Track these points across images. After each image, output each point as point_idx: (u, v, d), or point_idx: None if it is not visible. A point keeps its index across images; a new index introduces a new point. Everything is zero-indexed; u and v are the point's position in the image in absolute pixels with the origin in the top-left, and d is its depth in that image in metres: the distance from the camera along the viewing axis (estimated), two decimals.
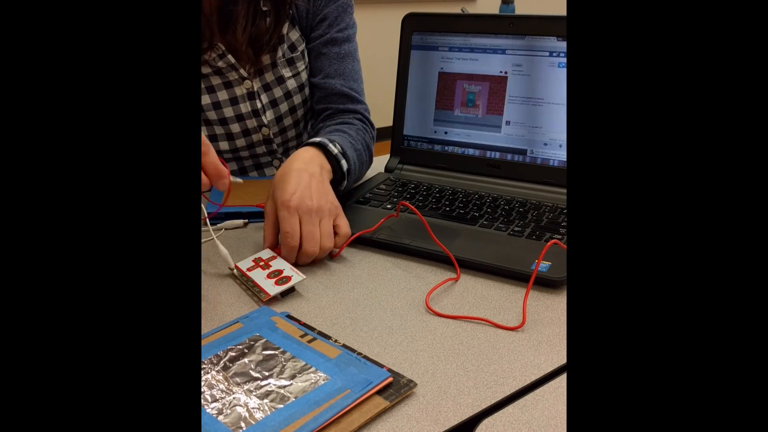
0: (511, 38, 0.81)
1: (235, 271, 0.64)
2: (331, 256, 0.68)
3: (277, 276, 0.61)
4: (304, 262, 0.66)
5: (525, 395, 0.46)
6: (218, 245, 0.65)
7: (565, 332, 0.54)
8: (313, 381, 0.45)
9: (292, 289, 0.60)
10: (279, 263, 0.63)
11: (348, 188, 0.82)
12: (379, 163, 0.99)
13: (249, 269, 0.63)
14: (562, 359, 0.50)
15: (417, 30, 0.87)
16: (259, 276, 0.62)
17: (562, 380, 0.48)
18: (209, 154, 0.58)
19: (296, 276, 0.61)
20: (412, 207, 0.68)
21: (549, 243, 0.59)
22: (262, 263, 0.64)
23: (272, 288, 0.59)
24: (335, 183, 0.76)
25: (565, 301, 0.58)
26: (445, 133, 0.86)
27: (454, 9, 0.85)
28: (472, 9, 3.49)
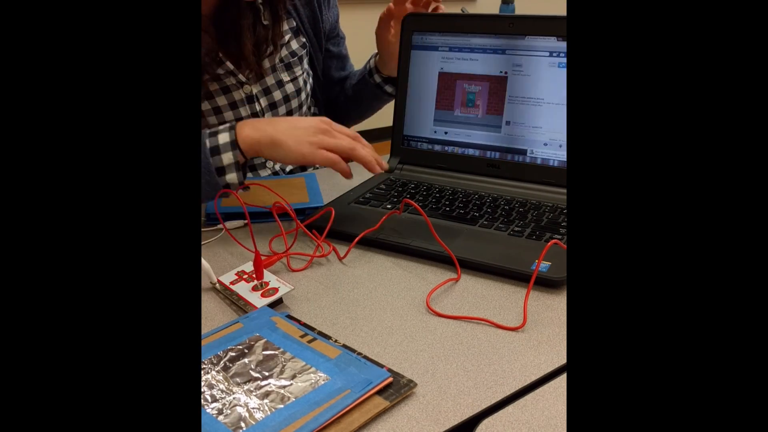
0: (511, 38, 0.81)
1: (217, 285, 0.61)
2: (338, 258, 0.68)
3: (263, 288, 0.59)
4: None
5: (525, 395, 0.46)
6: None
7: (565, 332, 0.54)
8: (313, 381, 0.45)
9: (280, 301, 0.58)
10: (265, 276, 0.61)
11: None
12: None
13: (232, 283, 0.61)
14: (562, 359, 0.50)
15: (417, 30, 0.87)
16: (243, 289, 0.59)
17: (562, 380, 0.48)
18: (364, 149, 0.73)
19: (283, 287, 0.59)
20: (416, 205, 0.67)
21: (549, 243, 0.59)
22: (245, 276, 0.61)
23: (259, 301, 0.57)
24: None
25: (565, 301, 0.58)
26: (445, 133, 0.86)
27: (454, 9, 0.85)
28: (472, 9, 3.49)
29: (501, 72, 0.81)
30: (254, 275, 0.61)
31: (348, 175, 0.73)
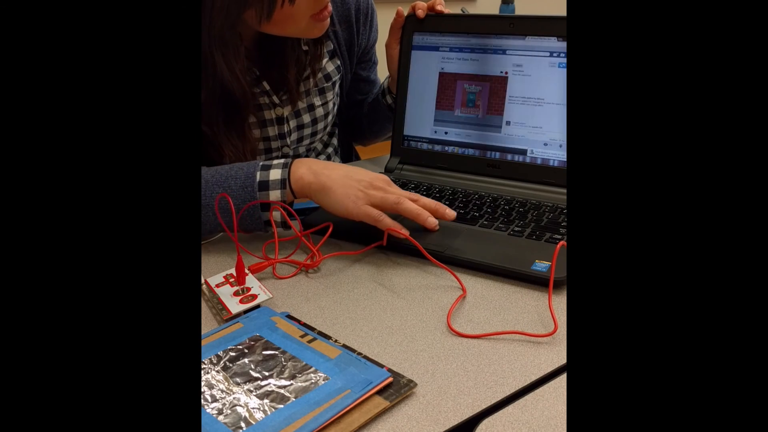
0: (511, 38, 0.81)
1: (204, 286, 0.61)
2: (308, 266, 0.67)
3: (244, 294, 0.58)
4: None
5: (525, 395, 0.46)
6: None
7: (565, 332, 0.54)
8: (313, 381, 0.45)
9: (257, 308, 0.58)
10: (250, 281, 0.60)
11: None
12: (379, 163, 0.99)
13: (218, 285, 0.60)
14: (562, 359, 0.50)
15: (417, 30, 0.87)
16: (225, 293, 0.59)
17: (562, 380, 0.48)
18: (421, 200, 0.69)
19: (263, 295, 0.58)
20: (406, 235, 0.66)
21: (558, 245, 0.58)
22: (232, 279, 0.61)
23: (236, 306, 0.57)
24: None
25: (565, 301, 0.58)
26: (446, 133, 0.86)
27: (454, 9, 0.84)
28: (472, 9, 3.49)
29: (501, 72, 0.81)
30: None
31: (392, 230, 0.67)
